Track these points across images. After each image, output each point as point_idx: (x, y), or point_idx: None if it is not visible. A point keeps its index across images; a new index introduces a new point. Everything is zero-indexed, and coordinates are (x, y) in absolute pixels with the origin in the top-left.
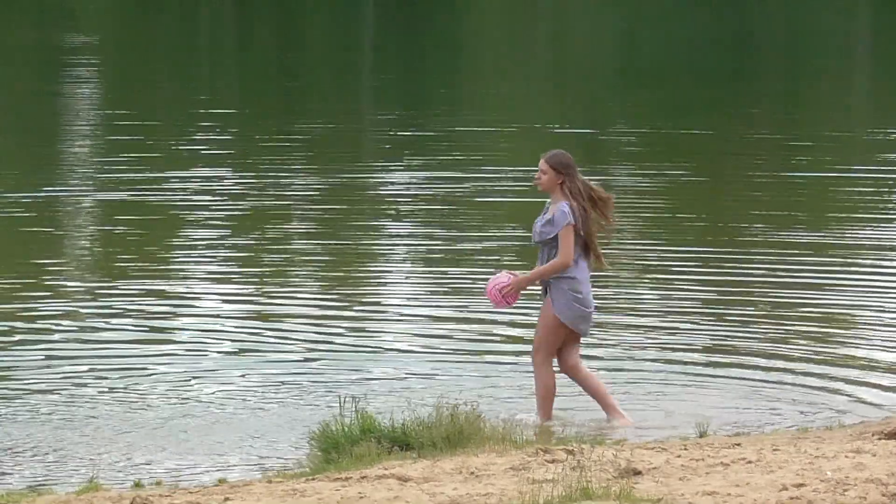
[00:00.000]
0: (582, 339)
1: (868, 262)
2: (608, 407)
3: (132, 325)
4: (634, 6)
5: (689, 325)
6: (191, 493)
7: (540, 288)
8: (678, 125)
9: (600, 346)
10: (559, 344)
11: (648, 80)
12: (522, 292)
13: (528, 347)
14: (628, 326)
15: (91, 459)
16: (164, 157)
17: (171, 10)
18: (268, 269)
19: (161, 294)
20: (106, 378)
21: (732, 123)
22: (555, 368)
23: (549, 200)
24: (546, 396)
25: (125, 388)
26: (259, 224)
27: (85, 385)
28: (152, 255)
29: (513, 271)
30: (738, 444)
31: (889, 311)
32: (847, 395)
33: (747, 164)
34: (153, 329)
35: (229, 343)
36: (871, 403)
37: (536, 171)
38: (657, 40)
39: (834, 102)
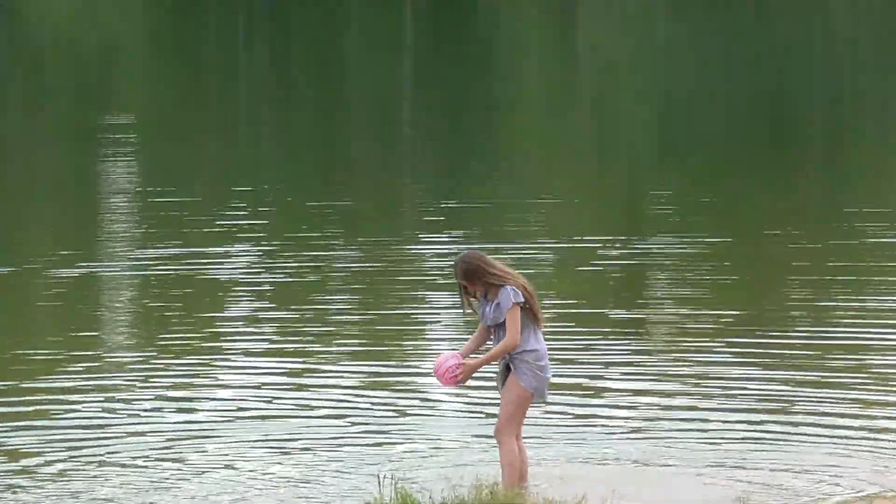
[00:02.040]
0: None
1: None
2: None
3: (167, 401)
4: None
5: (726, 395)
6: None
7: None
8: (717, 192)
9: (644, 417)
10: (525, 416)
11: (686, 147)
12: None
13: (567, 414)
14: (663, 394)
15: None
16: (201, 233)
17: (210, 85)
18: (306, 342)
19: (198, 369)
20: (142, 462)
21: (772, 189)
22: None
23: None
24: (512, 464)
25: (168, 470)
26: (298, 296)
27: (117, 462)
28: (191, 328)
29: (458, 353)
30: None
31: None
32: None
33: (786, 231)
34: (191, 404)
35: (269, 419)
36: None
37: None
38: (695, 107)
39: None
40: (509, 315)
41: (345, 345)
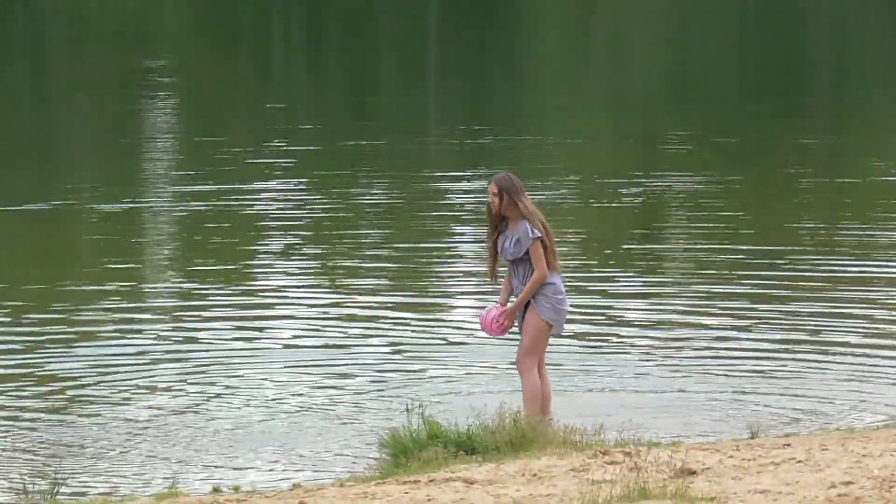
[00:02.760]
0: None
1: None
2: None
3: (206, 334)
4: (686, 22)
5: (740, 327)
6: (267, 497)
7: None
8: (730, 135)
9: (660, 347)
10: (545, 347)
11: (701, 95)
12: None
13: (587, 345)
14: (679, 325)
15: (171, 465)
16: (240, 170)
17: (245, 33)
18: (340, 274)
19: (235, 303)
20: (180, 385)
21: (782, 134)
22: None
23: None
24: (533, 398)
25: (200, 395)
26: (332, 232)
27: (162, 392)
28: (230, 263)
29: (497, 305)
30: (788, 445)
31: None
32: (893, 395)
33: (797, 171)
34: (225, 338)
35: (302, 347)
36: None
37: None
38: (709, 59)
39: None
40: (533, 249)
41: (378, 276)
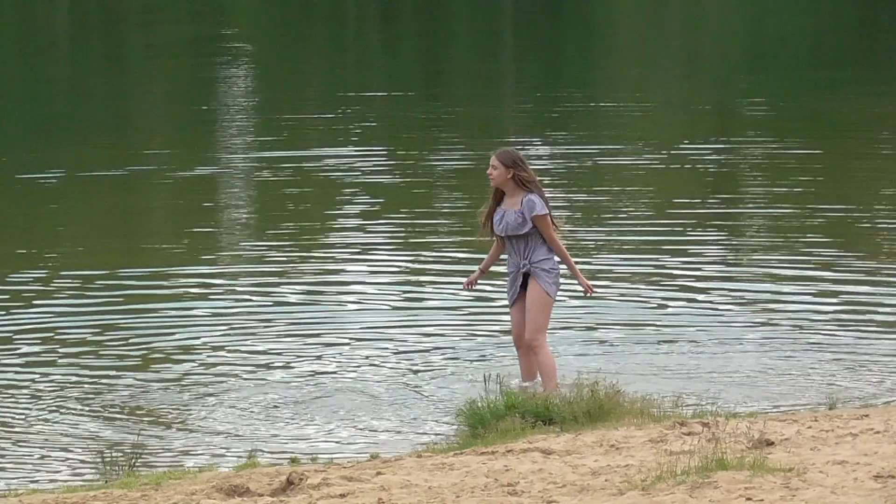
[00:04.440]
0: None
1: None
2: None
3: (282, 300)
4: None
5: (818, 294)
6: (344, 468)
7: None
8: (804, 102)
9: (738, 316)
10: (548, 321)
11: (776, 62)
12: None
13: (666, 313)
14: (756, 293)
15: (249, 435)
16: (315, 136)
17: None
18: (414, 243)
19: (311, 269)
20: (257, 353)
21: (858, 101)
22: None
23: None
24: (552, 372)
25: (276, 363)
26: (409, 197)
27: (238, 359)
28: (306, 228)
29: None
30: (866, 416)
31: None
32: None
33: (872, 137)
34: (303, 302)
35: (377, 318)
36: None
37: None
38: (785, 26)
39: None
40: (544, 226)
41: (456, 245)
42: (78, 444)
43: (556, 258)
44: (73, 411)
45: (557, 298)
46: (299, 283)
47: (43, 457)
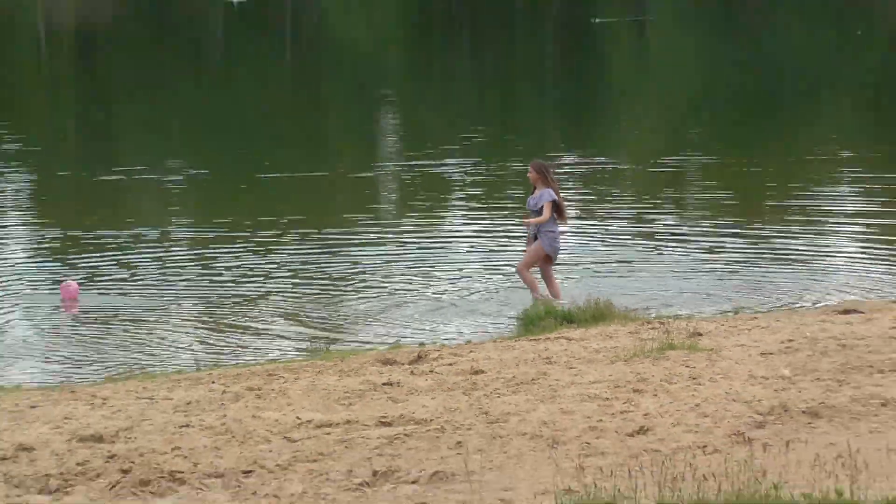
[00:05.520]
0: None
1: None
2: (556, 294)
3: (409, 246)
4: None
5: (734, 244)
6: (451, 349)
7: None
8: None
9: (683, 260)
10: (535, 265)
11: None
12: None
13: (632, 265)
14: (695, 244)
15: (394, 327)
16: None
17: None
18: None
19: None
20: (403, 280)
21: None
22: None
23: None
24: (535, 286)
25: (420, 282)
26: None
27: (397, 285)
28: (424, 215)
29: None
30: (756, 318)
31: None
32: (819, 290)
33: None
34: (429, 248)
35: (469, 252)
36: (833, 294)
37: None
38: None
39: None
40: (546, 206)
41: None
42: (291, 335)
43: (557, 230)
44: (293, 317)
45: (562, 255)
46: (431, 236)
47: (276, 336)
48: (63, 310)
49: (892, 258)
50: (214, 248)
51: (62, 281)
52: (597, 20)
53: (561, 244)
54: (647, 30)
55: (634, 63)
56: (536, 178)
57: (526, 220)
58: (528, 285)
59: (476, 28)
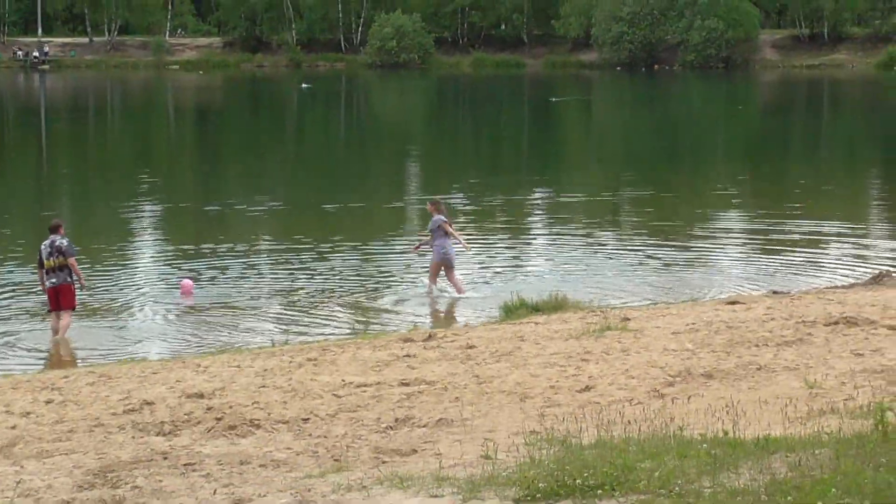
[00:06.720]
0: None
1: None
2: (460, 290)
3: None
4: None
5: (661, 250)
6: (452, 330)
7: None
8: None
9: (615, 260)
10: (439, 271)
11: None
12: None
13: (578, 266)
14: (628, 252)
15: (410, 315)
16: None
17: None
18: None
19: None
20: (416, 271)
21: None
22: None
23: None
24: (430, 290)
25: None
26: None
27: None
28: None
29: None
30: (669, 307)
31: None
32: (713, 288)
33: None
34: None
35: (466, 262)
36: (723, 290)
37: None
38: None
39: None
40: (438, 228)
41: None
42: (339, 321)
43: (448, 245)
44: (341, 308)
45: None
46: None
47: (329, 321)
48: (181, 301)
49: (764, 265)
50: (287, 258)
51: (182, 280)
52: (554, 99)
53: (453, 253)
54: (591, 106)
55: (582, 128)
56: (432, 209)
57: (415, 249)
58: (428, 287)
59: (474, 104)
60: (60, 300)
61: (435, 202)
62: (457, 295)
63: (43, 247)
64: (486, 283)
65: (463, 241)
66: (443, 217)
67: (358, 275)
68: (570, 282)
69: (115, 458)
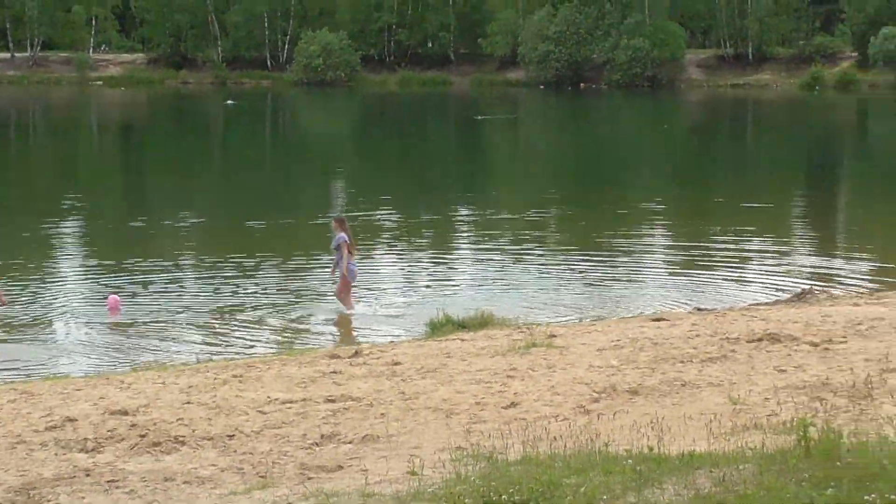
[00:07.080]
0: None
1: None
2: (350, 307)
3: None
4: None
5: (588, 265)
6: (378, 346)
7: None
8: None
9: (545, 278)
10: (350, 289)
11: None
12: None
13: (505, 283)
14: (552, 270)
15: (336, 332)
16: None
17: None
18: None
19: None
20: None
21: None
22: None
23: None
24: (348, 305)
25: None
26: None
27: None
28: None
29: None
30: (595, 324)
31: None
32: (638, 305)
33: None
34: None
35: (390, 278)
36: (648, 308)
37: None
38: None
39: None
40: (342, 246)
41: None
42: (265, 337)
43: (352, 264)
44: (266, 324)
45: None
46: (362, 266)
47: (254, 338)
48: (107, 317)
49: (689, 282)
50: (212, 274)
51: (109, 295)
52: (480, 118)
53: (356, 270)
54: (517, 124)
55: (508, 146)
56: (335, 227)
57: (332, 273)
58: (343, 303)
59: (400, 122)
60: None
61: (340, 219)
62: (347, 312)
63: None
64: (412, 299)
65: (346, 267)
66: (345, 236)
67: (283, 291)
68: (495, 298)
69: (38, 475)
